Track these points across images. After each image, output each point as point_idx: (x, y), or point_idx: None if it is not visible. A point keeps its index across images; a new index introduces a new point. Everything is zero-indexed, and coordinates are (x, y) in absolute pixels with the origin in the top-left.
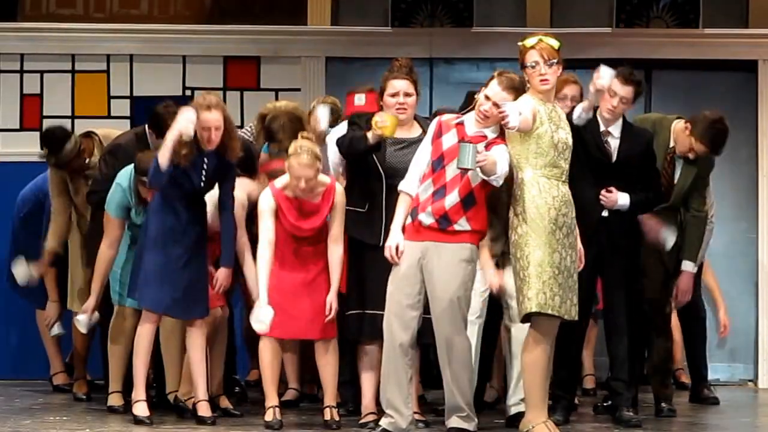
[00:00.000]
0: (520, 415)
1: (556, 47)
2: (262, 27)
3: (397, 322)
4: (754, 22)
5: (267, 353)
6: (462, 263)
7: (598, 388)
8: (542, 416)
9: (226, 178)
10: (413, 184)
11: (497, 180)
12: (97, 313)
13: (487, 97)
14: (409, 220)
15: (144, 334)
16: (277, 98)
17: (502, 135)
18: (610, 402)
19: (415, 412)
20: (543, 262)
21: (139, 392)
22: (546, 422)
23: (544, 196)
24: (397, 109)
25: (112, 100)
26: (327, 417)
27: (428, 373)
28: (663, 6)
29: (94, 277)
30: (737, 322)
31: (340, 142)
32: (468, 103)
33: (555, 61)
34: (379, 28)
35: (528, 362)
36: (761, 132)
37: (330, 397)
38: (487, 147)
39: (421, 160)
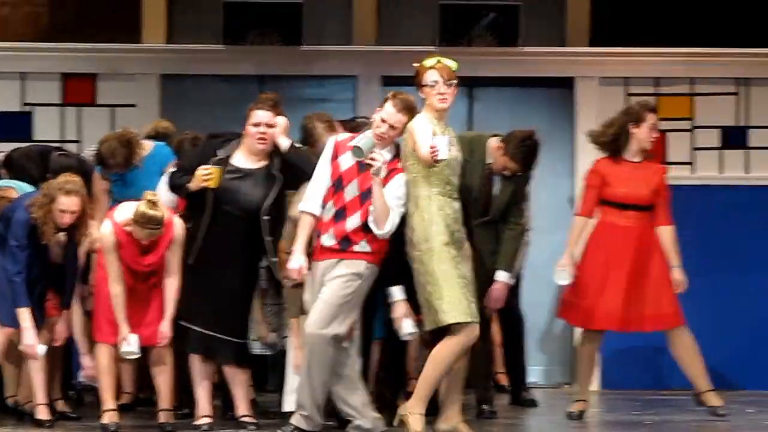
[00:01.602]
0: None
1: (455, 68)
2: (99, 45)
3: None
4: (570, 41)
5: (104, 358)
6: (350, 275)
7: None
8: (421, 408)
9: (69, 251)
10: (314, 204)
11: (382, 236)
12: None
13: (383, 120)
14: (314, 240)
15: None
16: (112, 114)
17: (397, 155)
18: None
19: (246, 415)
20: (451, 275)
21: None
22: (422, 414)
23: (441, 212)
24: (258, 139)
25: None
26: (162, 420)
27: (261, 378)
28: (484, 25)
29: None
30: (555, 328)
31: (168, 184)
32: (305, 136)
33: (454, 81)
34: (212, 46)
35: (439, 359)
36: (578, 146)
37: (165, 400)
38: (387, 177)
39: (320, 180)
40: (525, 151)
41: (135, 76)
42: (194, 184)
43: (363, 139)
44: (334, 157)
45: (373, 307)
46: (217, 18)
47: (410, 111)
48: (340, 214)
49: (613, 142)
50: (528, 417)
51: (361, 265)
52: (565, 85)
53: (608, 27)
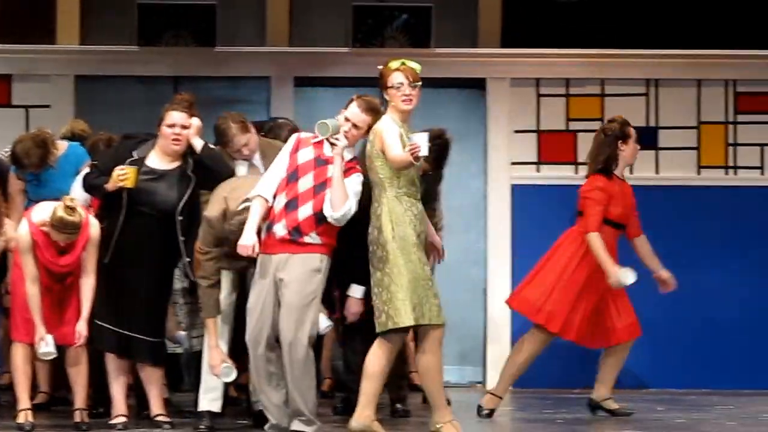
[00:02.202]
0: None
1: (418, 70)
2: (13, 46)
3: (256, 334)
4: (482, 43)
5: (18, 358)
6: (311, 272)
7: (336, 391)
8: (447, 416)
9: None
10: (267, 189)
11: (337, 220)
12: None
13: (347, 119)
14: (265, 233)
15: None
16: (27, 115)
17: (354, 158)
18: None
19: (160, 414)
20: (417, 276)
21: None
22: (452, 422)
23: (407, 213)
24: (173, 140)
25: None
26: (77, 419)
27: (176, 377)
28: (397, 26)
29: None
30: (468, 327)
31: (83, 184)
32: (219, 136)
33: (419, 83)
34: (126, 47)
35: (423, 369)
36: (490, 146)
37: (80, 400)
38: (345, 175)
39: (276, 170)
40: (435, 150)
41: (50, 77)
42: (111, 185)
43: (331, 119)
44: (294, 150)
45: None
46: (131, 19)
47: (374, 112)
48: (292, 204)
49: (605, 162)
50: None
51: (316, 259)
52: (477, 86)
53: (519, 29)
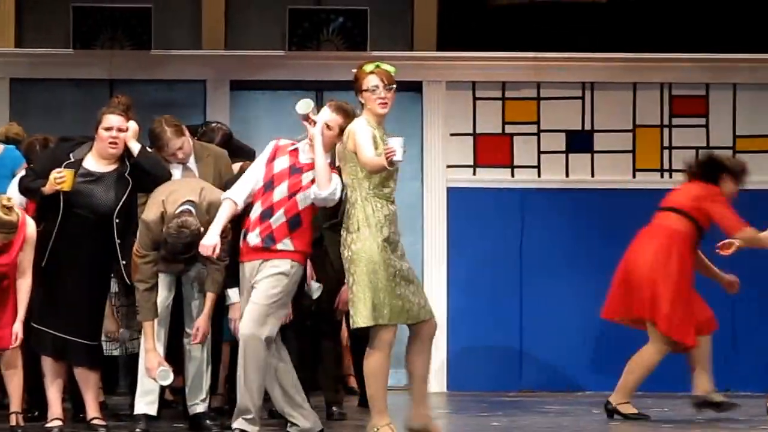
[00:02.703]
0: (200, 415)
1: (393, 73)
2: None
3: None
4: (418, 46)
5: None
6: (278, 275)
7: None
8: (385, 419)
9: None
10: (238, 194)
11: (325, 199)
12: None
13: (323, 124)
14: (241, 241)
15: None
16: None
17: (332, 162)
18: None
19: (96, 417)
20: (378, 277)
21: None
22: (390, 425)
23: (377, 215)
24: (110, 143)
25: None
26: (12, 422)
27: (112, 380)
28: (333, 29)
29: None
30: (404, 330)
31: (19, 187)
32: (154, 140)
33: (394, 86)
34: (62, 50)
35: (369, 371)
36: (426, 149)
37: (15, 403)
38: None
39: (252, 176)
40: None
41: None
42: (48, 188)
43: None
44: (271, 159)
45: (221, 310)
46: (67, 22)
47: (345, 112)
48: (267, 213)
49: (711, 177)
50: None
51: (286, 264)
52: (413, 89)
53: (455, 32)
